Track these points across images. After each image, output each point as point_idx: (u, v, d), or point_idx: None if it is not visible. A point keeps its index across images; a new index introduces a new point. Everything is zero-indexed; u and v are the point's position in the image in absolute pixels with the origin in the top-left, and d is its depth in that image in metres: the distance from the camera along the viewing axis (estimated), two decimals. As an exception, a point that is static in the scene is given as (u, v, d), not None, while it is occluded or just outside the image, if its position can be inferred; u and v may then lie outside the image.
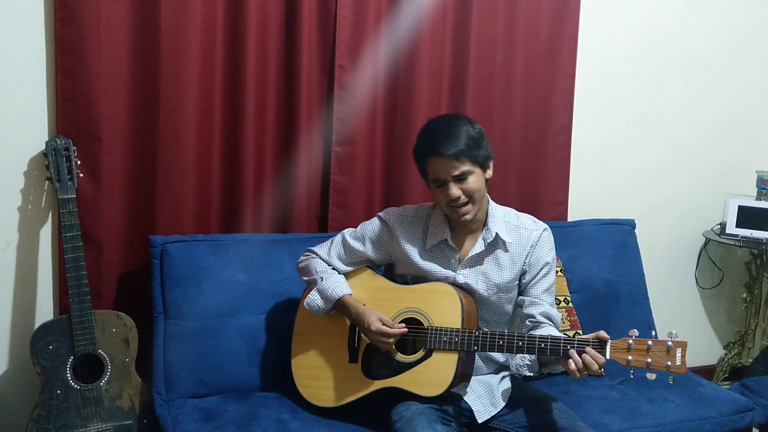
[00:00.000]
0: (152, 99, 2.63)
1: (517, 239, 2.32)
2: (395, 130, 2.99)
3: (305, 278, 2.43)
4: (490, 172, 2.28)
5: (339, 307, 2.33)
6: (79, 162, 2.49)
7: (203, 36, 2.65)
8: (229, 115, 2.76)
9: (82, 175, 2.50)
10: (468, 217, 2.24)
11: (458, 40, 3.02)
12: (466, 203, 2.22)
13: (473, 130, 2.22)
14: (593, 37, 3.31)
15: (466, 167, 2.19)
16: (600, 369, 2.02)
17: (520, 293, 2.37)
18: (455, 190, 2.19)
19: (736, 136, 3.76)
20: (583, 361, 2.01)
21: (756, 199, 3.56)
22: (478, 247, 2.31)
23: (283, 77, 2.81)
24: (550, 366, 2.24)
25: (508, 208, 2.40)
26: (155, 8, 2.58)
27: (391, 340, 2.23)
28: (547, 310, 2.30)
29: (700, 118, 3.65)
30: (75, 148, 2.48)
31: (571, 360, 2.03)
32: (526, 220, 2.38)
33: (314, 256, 2.44)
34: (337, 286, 2.33)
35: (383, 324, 2.23)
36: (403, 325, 2.25)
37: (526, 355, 2.25)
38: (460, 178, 2.19)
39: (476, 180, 2.22)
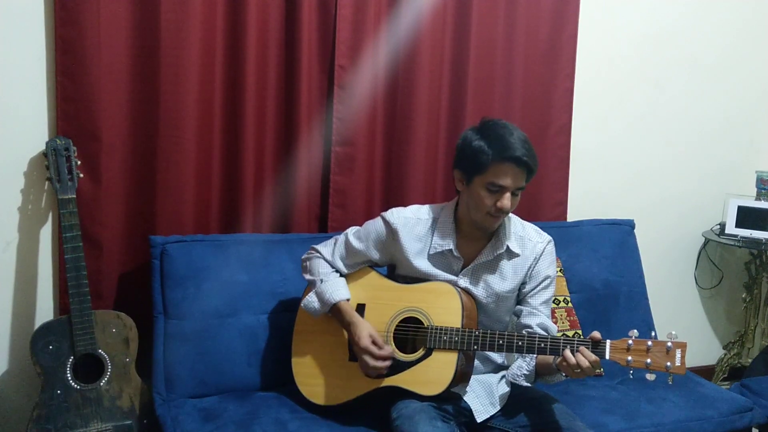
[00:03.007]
0: (152, 99, 2.63)
1: (522, 250, 2.32)
2: (395, 130, 2.99)
3: (307, 277, 2.44)
4: None
5: (334, 311, 2.33)
6: (79, 162, 2.49)
7: (203, 36, 2.66)
8: (229, 115, 2.76)
9: (82, 175, 2.50)
10: (497, 225, 2.23)
11: (458, 40, 3.02)
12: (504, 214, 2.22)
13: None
14: (593, 37, 3.31)
15: (524, 184, 2.20)
16: (594, 369, 2.02)
17: (518, 303, 2.36)
18: (508, 202, 2.16)
19: (735, 136, 3.76)
20: (576, 360, 2.02)
21: (755, 199, 3.56)
22: (486, 256, 2.30)
23: (283, 77, 2.81)
24: (546, 377, 2.25)
25: (514, 217, 2.38)
26: (155, 8, 2.58)
27: (379, 363, 2.20)
28: (545, 322, 2.29)
29: (700, 118, 3.65)
30: (75, 148, 2.48)
31: (565, 359, 2.04)
32: (531, 230, 2.36)
33: (318, 255, 2.43)
34: (336, 290, 2.33)
35: (373, 342, 2.22)
36: (391, 349, 2.24)
37: (524, 365, 2.26)
38: (516, 193, 2.19)
39: (518, 200, 2.22)
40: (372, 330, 2.25)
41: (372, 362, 2.20)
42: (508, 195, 2.16)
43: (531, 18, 3.13)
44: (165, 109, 2.63)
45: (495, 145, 2.15)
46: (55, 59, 2.51)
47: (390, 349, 2.24)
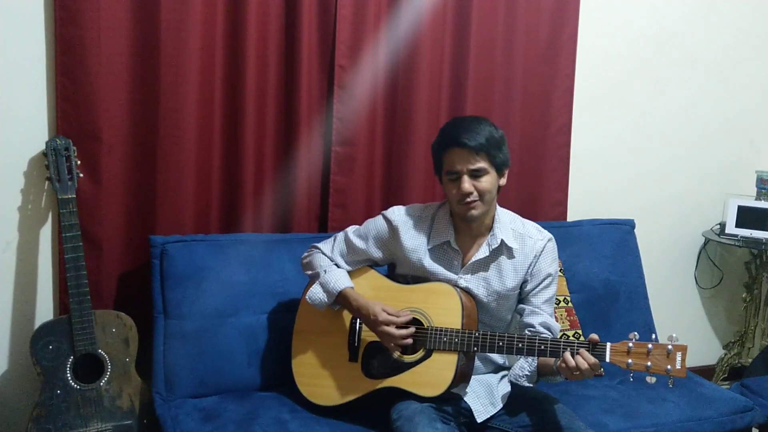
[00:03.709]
0: (152, 99, 2.63)
1: (522, 248, 2.31)
2: (395, 130, 2.99)
3: (308, 272, 2.43)
4: (504, 180, 2.28)
5: (341, 300, 2.33)
6: (79, 162, 2.49)
7: (203, 36, 2.65)
8: (229, 115, 2.76)
9: (82, 175, 2.50)
10: (475, 213, 2.22)
11: (458, 40, 3.02)
12: (476, 200, 2.21)
13: (496, 132, 2.24)
14: (593, 37, 3.31)
15: (483, 164, 2.20)
16: (594, 371, 2.02)
17: (520, 301, 2.36)
18: (468, 185, 2.19)
19: (736, 136, 3.76)
20: (575, 363, 2.02)
21: (755, 199, 3.56)
22: (483, 252, 2.30)
23: (283, 77, 2.81)
24: (548, 377, 2.25)
25: (514, 215, 2.39)
26: (155, 8, 2.58)
27: (402, 331, 2.20)
28: (547, 321, 2.29)
29: (700, 118, 3.65)
30: (75, 148, 2.48)
31: (564, 362, 2.04)
32: (531, 228, 2.37)
33: (318, 251, 2.44)
34: (339, 279, 2.33)
35: (388, 314, 2.22)
36: (408, 314, 2.24)
37: (525, 365, 2.26)
38: (475, 175, 2.20)
39: (490, 181, 2.22)
40: (384, 305, 2.25)
41: (396, 332, 2.20)
42: (465, 178, 2.19)
43: (531, 18, 3.13)
44: (165, 109, 2.63)
45: (441, 138, 2.28)
46: (55, 59, 2.51)
47: (409, 314, 2.24)
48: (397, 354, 2.25)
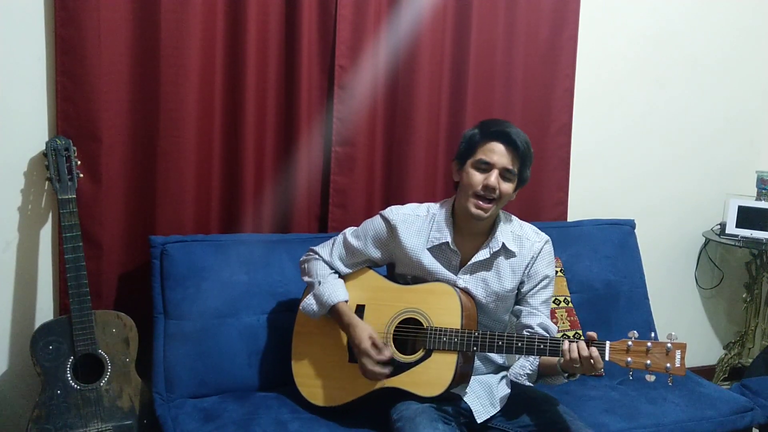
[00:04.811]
0: (152, 99, 2.63)
1: (520, 250, 2.32)
2: (395, 130, 2.99)
3: (305, 278, 2.44)
4: (514, 196, 2.29)
5: (333, 313, 2.33)
6: (79, 162, 2.49)
7: (203, 36, 2.66)
8: (229, 116, 2.76)
9: (82, 175, 2.50)
10: (484, 215, 2.22)
11: (458, 40, 3.02)
12: (493, 200, 2.22)
13: (531, 149, 2.27)
14: (593, 37, 3.31)
15: (515, 169, 2.22)
16: (593, 366, 2.01)
17: (517, 302, 2.36)
18: (495, 180, 2.19)
19: (736, 136, 3.76)
20: (578, 349, 2.02)
21: (756, 200, 3.57)
22: (483, 254, 2.30)
23: (283, 77, 2.81)
24: (548, 378, 2.25)
25: (512, 216, 2.40)
26: (155, 8, 2.58)
27: (377, 368, 2.21)
28: (545, 322, 2.29)
29: (700, 118, 3.65)
30: (75, 148, 2.49)
31: (568, 355, 2.04)
32: (529, 230, 2.37)
33: (316, 257, 2.43)
34: (334, 292, 2.33)
35: (373, 345, 2.22)
36: (391, 352, 2.24)
37: (526, 364, 2.26)
38: (505, 175, 2.21)
39: (510, 188, 2.24)
40: (372, 332, 2.25)
41: (371, 366, 2.21)
42: (495, 173, 2.20)
43: (531, 18, 3.13)
44: (165, 110, 2.63)
45: (485, 127, 2.26)
46: (55, 59, 2.51)
47: (390, 352, 2.24)
48: (397, 354, 2.25)
